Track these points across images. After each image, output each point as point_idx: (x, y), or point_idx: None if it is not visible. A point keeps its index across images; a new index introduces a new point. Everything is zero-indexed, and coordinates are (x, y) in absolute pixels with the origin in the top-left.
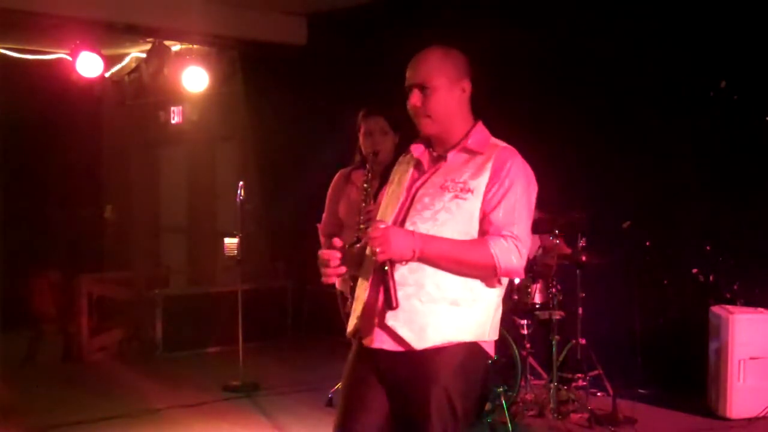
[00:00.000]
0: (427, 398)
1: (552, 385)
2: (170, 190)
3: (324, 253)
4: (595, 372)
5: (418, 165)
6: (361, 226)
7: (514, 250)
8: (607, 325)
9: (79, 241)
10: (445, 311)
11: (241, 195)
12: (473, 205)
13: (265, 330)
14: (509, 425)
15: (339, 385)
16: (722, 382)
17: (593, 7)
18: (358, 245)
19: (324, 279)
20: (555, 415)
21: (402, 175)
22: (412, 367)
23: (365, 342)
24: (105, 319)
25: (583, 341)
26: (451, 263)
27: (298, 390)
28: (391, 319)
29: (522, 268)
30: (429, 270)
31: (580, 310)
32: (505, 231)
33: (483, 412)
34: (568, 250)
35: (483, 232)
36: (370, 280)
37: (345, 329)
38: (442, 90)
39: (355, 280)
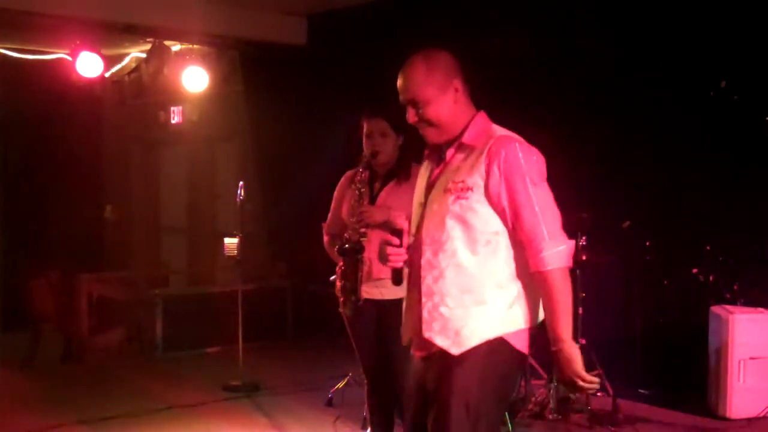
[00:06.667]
0: (449, 402)
1: (552, 385)
2: (170, 190)
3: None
4: (595, 372)
5: (431, 168)
6: (356, 227)
7: (560, 250)
8: (607, 325)
9: (79, 241)
10: (474, 313)
11: (241, 195)
12: (476, 203)
13: (265, 330)
14: (509, 425)
15: (339, 385)
16: (722, 382)
17: (594, 8)
18: (346, 246)
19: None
20: (555, 415)
21: (422, 182)
22: (443, 365)
23: (413, 352)
24: (105, 319)
25: (583, 341)
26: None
27: (298, 390)
28: (427, 331)
29: (570, 245)
30: (450, 276)
31: (580, 310)
32: (540, 247)
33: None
34: None
35: (523, 252)
36: (413, 295)
37: (344, 329)
38: (434, 100)
39: (344, 278)
